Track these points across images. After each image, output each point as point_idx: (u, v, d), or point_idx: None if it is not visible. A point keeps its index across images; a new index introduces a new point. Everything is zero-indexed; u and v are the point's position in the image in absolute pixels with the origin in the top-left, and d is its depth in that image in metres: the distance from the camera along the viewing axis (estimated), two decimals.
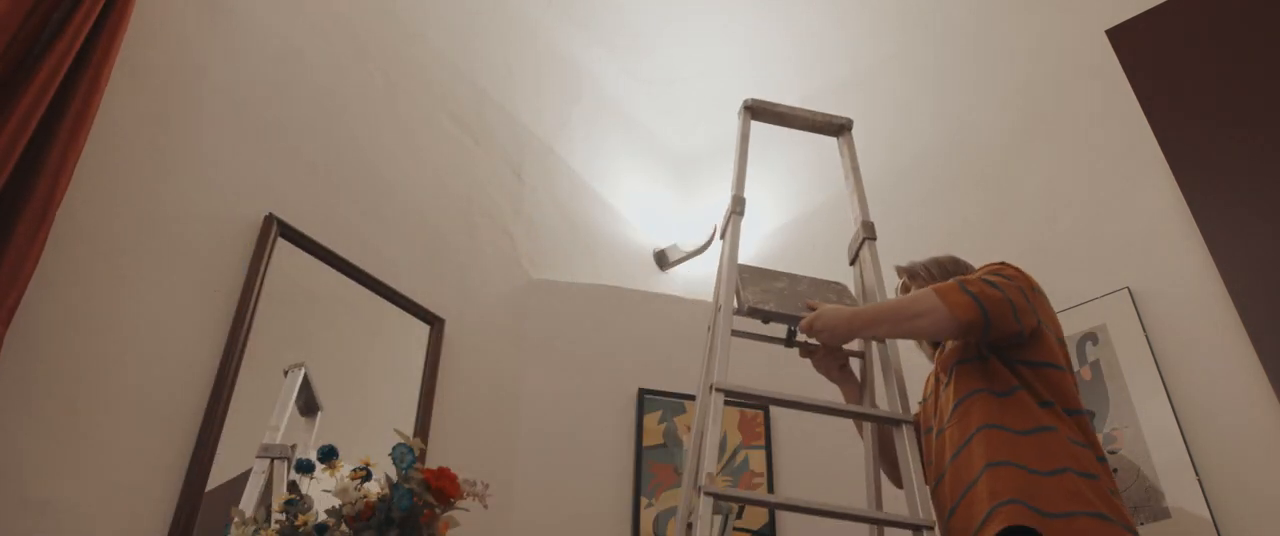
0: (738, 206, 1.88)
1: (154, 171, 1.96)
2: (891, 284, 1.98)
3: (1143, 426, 2.31)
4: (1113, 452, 2.33)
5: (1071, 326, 2.55)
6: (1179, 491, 2.19)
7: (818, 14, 3.62)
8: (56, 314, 1.67)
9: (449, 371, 2.49)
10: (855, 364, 1.88)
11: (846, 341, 1.73)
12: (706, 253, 3.68)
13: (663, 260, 3.74)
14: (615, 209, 3.64)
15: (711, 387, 1.54)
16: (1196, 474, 2.19)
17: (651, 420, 2.74)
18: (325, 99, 2.49)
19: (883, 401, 1.69)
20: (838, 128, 2.08)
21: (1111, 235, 2.65)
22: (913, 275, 1.95)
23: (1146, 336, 2.41)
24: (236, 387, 1.90)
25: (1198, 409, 2.27)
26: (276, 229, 2.14)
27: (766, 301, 1.74)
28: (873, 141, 3.53)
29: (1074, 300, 2.60)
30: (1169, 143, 2.26)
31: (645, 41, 3.73)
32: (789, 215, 3.61)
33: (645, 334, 2.93)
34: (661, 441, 2.71)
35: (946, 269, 1.90)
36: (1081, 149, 2.87)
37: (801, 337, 1.79)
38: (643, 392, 2.77)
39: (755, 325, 1.80)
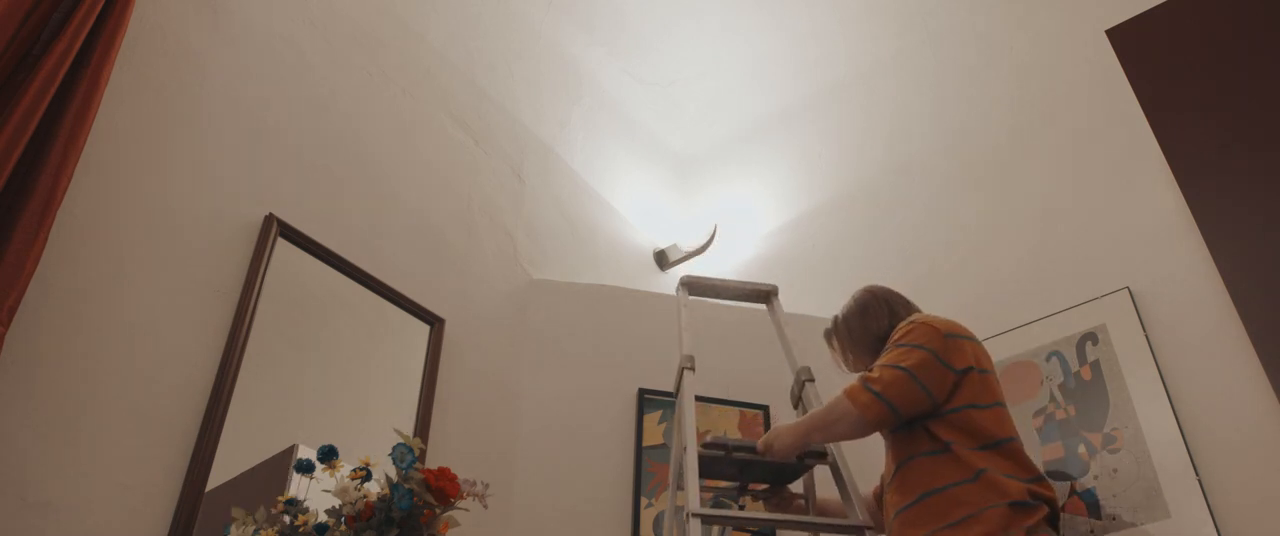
0: (688, 363, 2.06)
1: (154, 171, 1.96)
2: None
3: (1143, 426, 2.31)
4: (1113, 452, 2.33)
5: (1071, 326, 2.55)
6: (1179, 491, 2.19)
7: (817, 15, 3.62)
8: (56, 314, 1.67)
9: (449, 371, 2.49)
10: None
11: (796, 452, 1.86)
12: (706, 253, 3.68)
13: (663, 260, 3.74)
14: (615, 209, 3.64)
15: (687, 515, 1.72)
16: (1196, 474, 2.19)
17: (651, 420, 2.74)
18: (325, 99, 2.49)
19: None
20: (765, 294, 2.29)
21: (1111, 235, 2.65)
22: (829, 340, 2.09)
23: (1146, 336, 2.41)
24: (236, 387, 1.90)
25: (1198, 409, 2.27)
26: (276, 229, 2.14)
27: (726, 437, 2.09)
28: (872, 142, 3.53)
29: (1074, 300, 2.60)
30: (1169, 143, 2.26)
31: (646, 42, 3.73)
32: (789, 215, 3.61)
33: (645, 334, 2.93)
34: (661, 441, 2.71)
35: (864, 312, 2.00)
36: (1081, 149, 2.87)
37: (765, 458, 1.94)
38: (643, 392, 2.77)
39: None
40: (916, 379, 1.70)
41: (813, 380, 2.06)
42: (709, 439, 1.90)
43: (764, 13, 3.63)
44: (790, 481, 1.99)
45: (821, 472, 2.05)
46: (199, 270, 1.96)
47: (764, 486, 2.02)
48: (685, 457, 1.84)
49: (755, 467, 1.91)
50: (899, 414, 1.70)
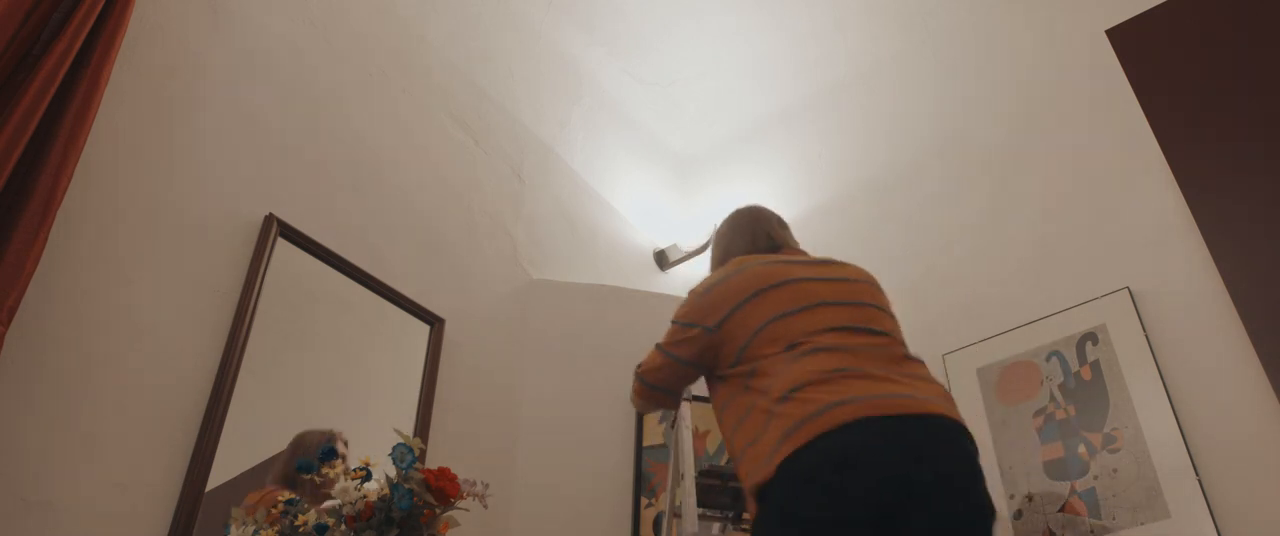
0: (686, 394, 1.95)
1: (154, 171, 1.96)
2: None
3: (1143, 426, 2.31)
4: (1113, 452, 2.33)
5: (1071, 326, 2.56)
6: (1179, 491, 2.19)
7: (817, 15, 3.62)
8: (57, 314, 1.67)
9: (449, 371, 2.49)
10: None
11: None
12: (706, 253, 3.68)
13: (663, 260, 3.74)
14: (615, 209, 3.64)
15: None
16: (1196, 474, 2.19)
17: (651, 420, 2.74)
18: (325, 99, 2.49)
19: None
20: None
21: (1111, 235, 2.65)
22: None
23: (1146, 336, 2.41)
24: (236, 387, 1.90)
25: (1198, 409, 2.27)
26: (276, 229, 2.14)
27: (722, 464, 2.15)
28: (872, 142, 3.53)
29: (1074, 300, 2.60)
30: (1169, 143, 2.26)
31: (646, 42, 3.73)
32: (789, 215, 3.58)
33: (645, 334, 2.91)
34: (661, 441, 2.71)
35: (718, 239, 1.99)
36: (1081, 149, 2.87)
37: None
38: None
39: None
40: (668, 352, 1.73)
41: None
42: (706, 467, 1.90)
43: (764, 13, 3.63)
44: None
45: None
46: (199, 270, 1.96)
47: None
48: (682, 486, 1.84)
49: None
50: (660, 388, 1.79)
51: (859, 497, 1.35)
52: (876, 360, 1.53)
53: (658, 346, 1.79)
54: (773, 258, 1.77)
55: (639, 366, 1.85)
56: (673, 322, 1.76)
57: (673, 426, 2.08)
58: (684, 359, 1.71)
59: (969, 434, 1.49)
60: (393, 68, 2.79)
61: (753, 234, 1.91)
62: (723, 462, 2.35)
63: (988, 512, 1.44)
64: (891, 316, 1.70)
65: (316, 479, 1.74)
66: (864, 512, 1.35)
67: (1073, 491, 2.35)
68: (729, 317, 1.64)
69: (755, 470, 1.46)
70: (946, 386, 2.72)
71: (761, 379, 1.54)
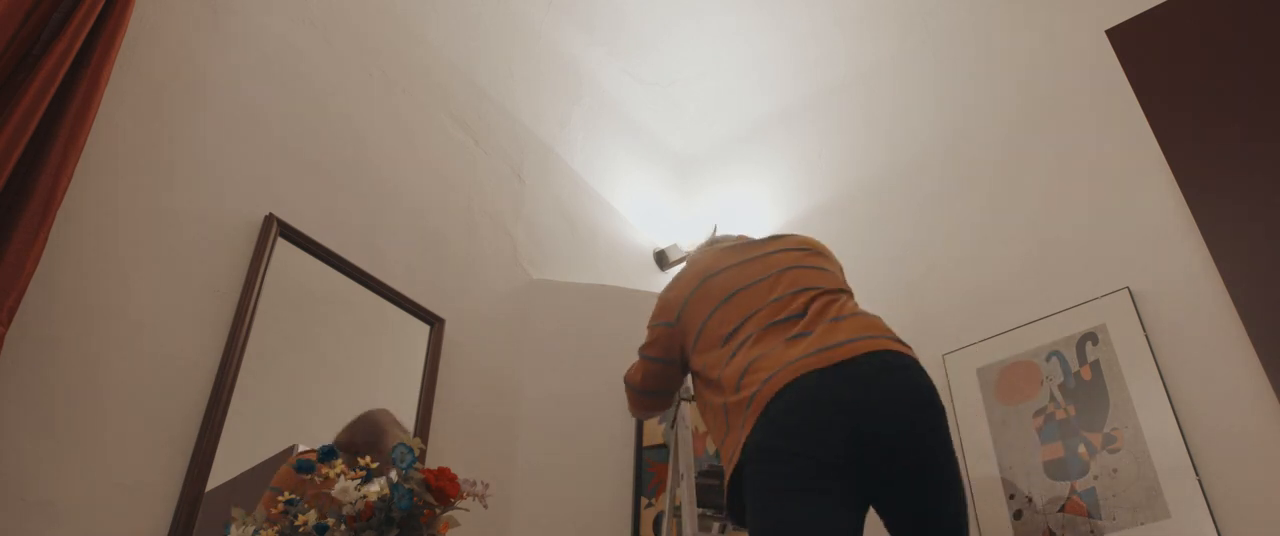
0: (686, 394, 2.05)
1: (154, 171, 1.96)
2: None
3: (1143, 426, 2.31)
4: (1113, 452, 2.33)
5: (1071, 326, 2.56)
6: (1179, 491, 2.19)
7: (817, 15, 3.62)
8: (57, 314, 1.67)
9: (449, 371, 2.49)
10: None
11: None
12: None
13: (663, 260, 3.74)
14: (615, 209, 3.64)
15: None
16: (1196, 474, 2.19)
17: (651, 420, 2.74)
18: (325, 99, 2.49)
19: None
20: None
21: (1111, 235, 2.65)
22: None
23: (1146, 336, 2.41)
24: (236, 387, 1.90)
25: (1198, 409, 2.27)
26: (276, 229, 2.14)
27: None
28: (872, 142, 3.53)
29: (1074, 300, 2.60)
30: (1169, 143, 2.26)
31: (646, 42, 3.73)
32: (789, 215, 3.61)
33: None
34: (661, 441, 2.71)
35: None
36: (1081, 149, 2.87)
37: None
38: None
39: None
40: (647, 357, 1.85)
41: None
42: (706, 467, 1.91)
43: (764, 13, 3.63)
44: None
45: None
46: (199, 270, 1.96)
47: None
48: (682, 486, 1.85)
49: None
50: (647, 391, 1.88)
51: (818, 454, 1.42)
52: (801, 324, 1.59)
53: (638, 353, 1.89)
54: (713, 249, 1.88)
55: (625, 376, 1.94)
56: (647, 328, 1.87)
57: (673, 426, 2.09)
58: (658, 357, 1.81)
59: (912, 359, 1.55)
60: (393, 68, 2.79)
61: (712, 238, 2.05)
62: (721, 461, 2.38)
63: (944, 432, 1.52)
64: (818, 269, 1.75)
65: (316, 479, 1.73)
66: (832, 463, 1.42)
67: (1073, 491, 2.35)
68: (684, 308, 1.75)
69: (729, 462, 1.54)
70: (946, 386, 2.73)
71: (712, 376, 1.64)
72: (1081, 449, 2.38)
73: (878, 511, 1.55)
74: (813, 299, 1.64)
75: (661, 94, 3.92)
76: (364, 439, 2.04)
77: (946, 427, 1.53)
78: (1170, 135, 2.27)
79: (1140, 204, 2.63)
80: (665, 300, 1.83)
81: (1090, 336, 2.52)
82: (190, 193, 2.01)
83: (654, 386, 1.86)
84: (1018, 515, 2.41)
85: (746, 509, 1.49)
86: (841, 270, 1.90)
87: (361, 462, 1.75)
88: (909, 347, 1.59)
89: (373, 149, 2.58)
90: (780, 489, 1.42)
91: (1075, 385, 2.48)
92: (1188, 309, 2.40)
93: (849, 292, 1.80)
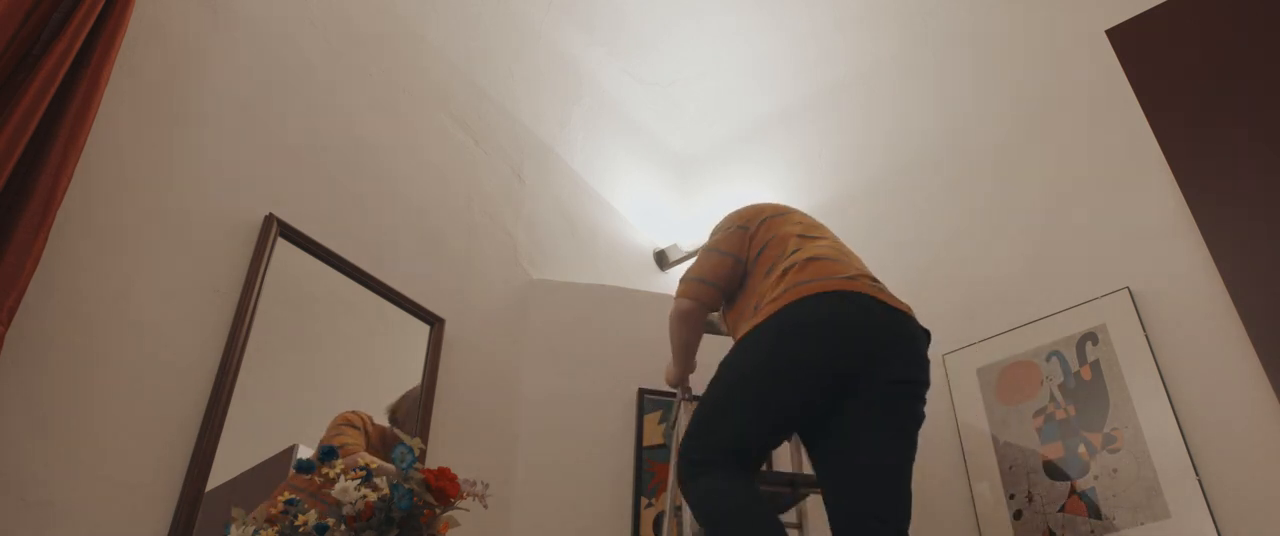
0: (686, 394, 2.26)
1: (154, 171, 1.96)
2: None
3: (1143, 426, 2.31)
4: (1113, 452, 2.33)
5: (1071, 326, 2.56)
6: (1179, 491, 2.19)
7: (817, 15, 3.62)
8: (57, 314, 1.67)
9: (449, 371, 2.49)
10: None
11: (679, 376, 2.28)
12: None
13: (663, 260, 3.74)
14: (615, 209, 3.64)
15: None
16: (1196, 474, 2.19)
17: (651, 420, 2.74)
18: (326, 99, 2.49)
19: None
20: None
21: (1111, 235, 2.65)
22: None
23: (1146, 336, 2.41)
24: (236, 387, 1.90)
25: (1198, 409, 2.27)
26: (276, 229, 2.14)
27: None
28: (872, 142, 3.53)
29: (1074, 300, 2.60)
30: (1169, 143, 2.26)
31: (646, 42, 3.73)
32: None
33: (645, 334, 2.92)
34: (661, 441, 2.71)
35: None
36: (1081, 149, 2.87)
37: None
38: (643, 392, 2.77)
39: None
40: (703, 269, 2.04)
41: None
42: None
43: (764, 13, 3.63)
44: (782, 512, 1.99)
45: (815, 503, 2.05)
46: (199, 270, 1.96)
47: None
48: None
49: None
50: (705, 296, 2.03)
51: (844, 348, 1.66)
52: (854, 269, 1.85)
53: (706, 251, 2.09)
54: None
55: (683, 277, 2.09)
56: (717, 232, 2.10)
57: (673, 427, 2.09)
58: (729, 251, 2.01)
59: (912, 318, 1.81)
60: (393, 68, 2.79)
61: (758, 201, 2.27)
62: None
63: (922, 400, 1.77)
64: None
65: (316, 479, 1.73)
66: (830, 371, 1.66)
67: (1073, 491, 2.35)
68: (761, 223, 2.03)
69: (748, 323, 1.78)
70: (947, 386, 2.73)
71: (773, 253, 1.92)
72: (1081, 449, 2.39)
73: (831, 470, 1.71)
74: (863, 266, 1.90)
75: (661, 94, 3.92)
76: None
77: (923, 398, 1.77)
78: (1170, 135, 2.27)
79: (1140, 204, 2.63)
80: (743, 213, 2.08)
81: (1090, 336, 2.52)
82: (190, 193, 2.01)
83: (714, 277, 2.01)
84: (1018, 515, 2.41)
85: (743, 339, 1.74)
86: None
87: (361, 462, 1.75)
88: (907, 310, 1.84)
89: (373, 149, 2.58)
90: (794, 335, 1.67)
91: (1075, 385, 2.48)
92: (1188, 309, 2.40)
93: None
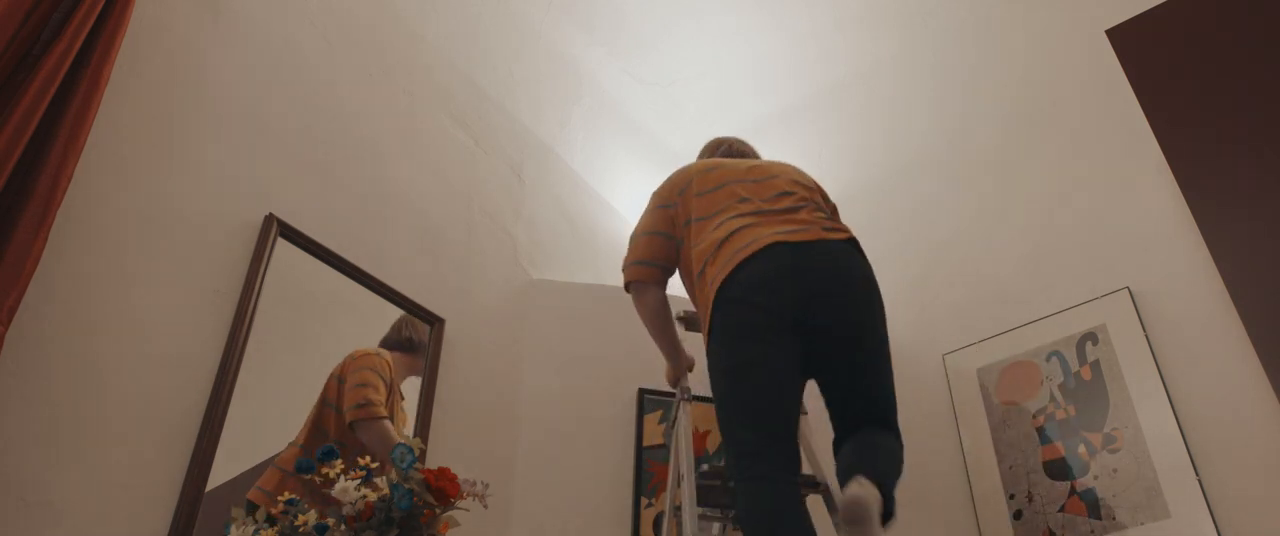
0: (685, 394, 2.20)
1: (154, 171, 1.96)
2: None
3: (1143, 426, 2.31)
4: (1113, 452, 2.33)
5: (1071, 326, 2.56)
6: (1179, 491, 2.19)
7: (817, 15, 3.62)
8: (56, 314, 1.67)
9: (449, 371, 2.49)
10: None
11: (673, 373, 2.20)
12: None
13: None
14: (615, 209, 3.64)
15: None
16: (1196, 474, 2.19)
17: (651, 420, 2.74)
18: (325, 99, 2.49)
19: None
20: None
21: (1111, 235, 2.65)
22: None
23: (1146, 336, 2.41)
24: (236, 387, 1.90)
25: (1198, 409, 2.27)
26: (276, 229, 2.14)
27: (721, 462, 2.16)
28: (872, 142, 3.53)
29: (1074, 300, 2.60)
30: (1169, 143, 2.26)
31: (645, 42, 3.73)
32: None
33: (645, 334, 2.92)
34: (661, 441, 2.71)
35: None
36: (1081, 149, 2.87)
37: None
38: (643, 392, 2.77)
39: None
40: (635, 237, 2.08)
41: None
42: (706, 468, 1.91)
43: (764, 13, 3.63)
44: None
45: (815, 503, 2.04)
46: (199, 270, 1.96)
47: None
48: (682, 486, 1.85)
49: None
50: (643, 264, 2.05)
51: (773, 305, 1.71)
52: (782, 217, 1.89)
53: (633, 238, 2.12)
54: (711, 160, 2.18)
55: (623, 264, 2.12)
56: (644, 213, 2.14)
57: (673, 426, 2.09)
58: (655, 231, 2.05)
59: (860, 252, 1.85)
60: (393, 68, 2.79)
61: (711, 149, 2.47)
62: (722, 462, 2.38)
63: (878, 308, 1.81)
64: (805, 187, 2.03)
65: (316, 479, 1.73)
66: (781, 315, 1.70)
67: (1073, 491, 2.35)
68: (685, 189, 2.05)
69: (702, 309, 1.83)
70: (946, 386, 2.73)
71: (693, 242, 1.94)
72: (1081, 449, 2.39)
73: (820, 387, 1.82)
74: (799, 202, 1.93)
75: (661, 94, 3.92)
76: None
77: (881, 306, 1.82)
78: (1170, 135, 2.27)
79: (1140, 204, 2.64)
80: (661, 192, 2.11)
81: (1090, 336, 2.52)
82: (190, 193, 2.01)
83: (650, 256, 2.05)
84: (1018, 515, 2.41)
85: (707, 353, 1.78)
86: (835, 211, 2.20)
87: (361, 461, 1.75)
88: (857, 242, 1.89)
89: (373, 149, 2.58)
90: (734, 330, 1.72)
91: (1075, 385, 2.48)
92: (1187, 308, 2.40)
93: (833, 210, 2.15)
